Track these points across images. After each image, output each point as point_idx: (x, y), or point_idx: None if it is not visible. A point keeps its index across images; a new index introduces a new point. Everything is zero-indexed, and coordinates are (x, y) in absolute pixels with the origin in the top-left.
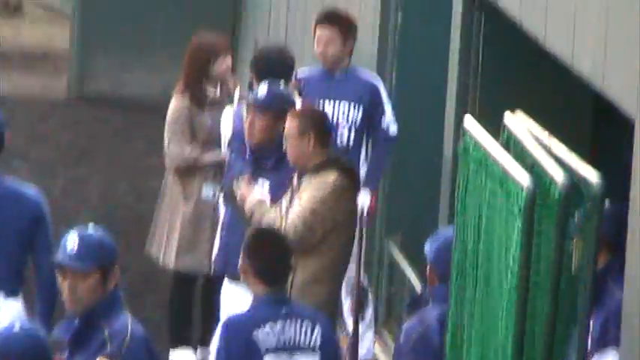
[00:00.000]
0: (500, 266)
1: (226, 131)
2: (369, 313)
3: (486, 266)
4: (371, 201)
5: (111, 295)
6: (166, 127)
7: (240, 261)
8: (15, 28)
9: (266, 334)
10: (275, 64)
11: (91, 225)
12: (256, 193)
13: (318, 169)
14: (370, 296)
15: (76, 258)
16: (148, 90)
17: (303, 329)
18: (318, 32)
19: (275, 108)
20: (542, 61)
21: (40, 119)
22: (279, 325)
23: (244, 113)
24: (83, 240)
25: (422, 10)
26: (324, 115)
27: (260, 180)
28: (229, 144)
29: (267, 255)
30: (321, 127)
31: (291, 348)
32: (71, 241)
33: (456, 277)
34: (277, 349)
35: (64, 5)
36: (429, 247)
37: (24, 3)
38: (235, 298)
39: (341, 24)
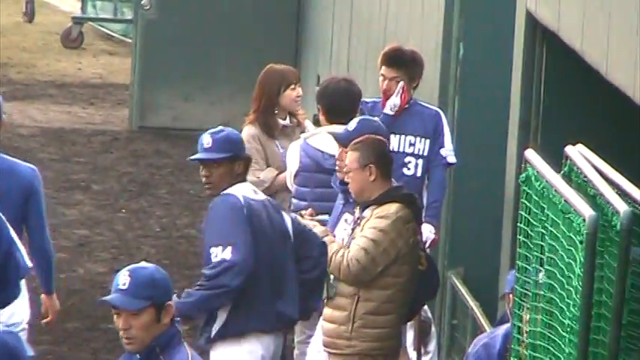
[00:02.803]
0: (562, 297)
1: (292, 165)
2: (433, 345)
3: (549, 297)
4: (435, 234)
5: (168, 329)
6: None
7: None
8: (76, 60)
9: None
10: (342, 97)
11: (143, 262)
12: (318, 225)
13: (380, 200)
14: (433, 328)
15: (127, 295)
16: (209, 122)
17: None
18: (384, 72)
19: None
20: (604, 93)
21: (102, 151)
22: None
23: (316, 145)
24: (134, 276)
25: (483, 40)
26: (385, 146)
27: (347, 215)
28: (295, 177)
29: None
30: (382, 159)
31: None
32: (122, 277)
33: (518, 308)
34: None
35: (125, 38)
36: (509, 282)
37: (85, 36)
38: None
39: (407, 66)
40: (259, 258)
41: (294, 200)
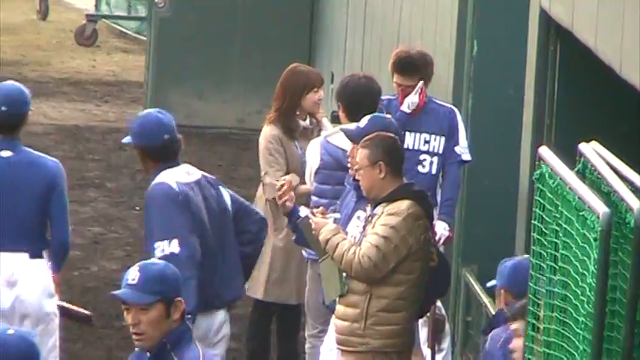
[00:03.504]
0: (577, 294)
1: (312, 163)
2: (447, 342)
3: (563, 294)
4: (449, 231)
5: (178, 326)
6: (261, 156)
7: None
8: (90, 58)
9: None
10: (363, 95)
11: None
12: (330, 223)
13: (391, 197)
14: (447, 326)
15: (136, 290)
16: (222, 121)
17: None
18: (399, 81)
19: None
20: (618, 90)
21: (116, 149)
22: None
23: (337, 143)
24: (143, 272)
25: (497, 38)
26: (395, 142)
27: (360, 212)
28: (315, 175)
29: None
30: (392, 156)
31: None
32: (132, 273)
33: (532, 305)
34: None
35: (139, 35)
36: (500, 274)
37: (99, 33)
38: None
39: (421, 71)
40: (199, 241)
41: (313, 198)
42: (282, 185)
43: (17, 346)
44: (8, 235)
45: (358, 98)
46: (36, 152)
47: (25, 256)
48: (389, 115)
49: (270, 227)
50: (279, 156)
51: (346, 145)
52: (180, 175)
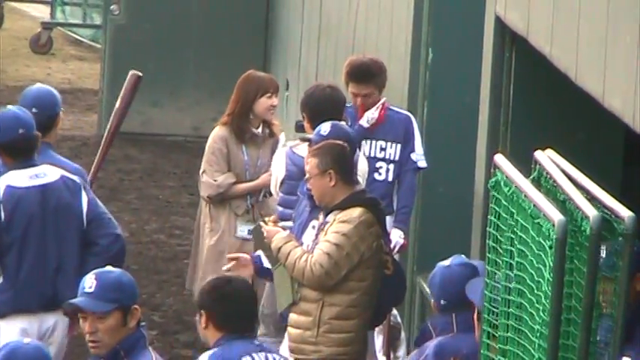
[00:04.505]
0: (532, 302)
1: (278, 173)
2: (402, 350)
3: (518, 302)
4: (404, 239)
5: (133, 334)
6: (204, 155)
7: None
8: (45, 65)
9: None
10: (328, 105)
11: (109, 266)
12: (282, 231)
13: (343, 205)
14: (403, 334)
15: (93, 299)
16: (178, 128)
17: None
18: (355, 90)
19: None
20: (573, 98)
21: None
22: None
23: (301, 153)
24: (100, 280)
25: (452, 46)
26: (344, 149)
27: (314, 221)
28: (281, 185)
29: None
30: (341, 163)
31: None
32: (89, 281)
33: (487, 313)
34: None
35: (94, 43)
36: (429, 283)
37: (54, 41)
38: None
39: (376, 78)
40: (25, 240)
41: (279, 208)
42: (231, 259)
43: (32, 356)
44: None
45: (323, 108)
46: (61, 157)
47: None
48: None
49: (204, 226)
50: (220, 156)
51: None
52: (20, 178)
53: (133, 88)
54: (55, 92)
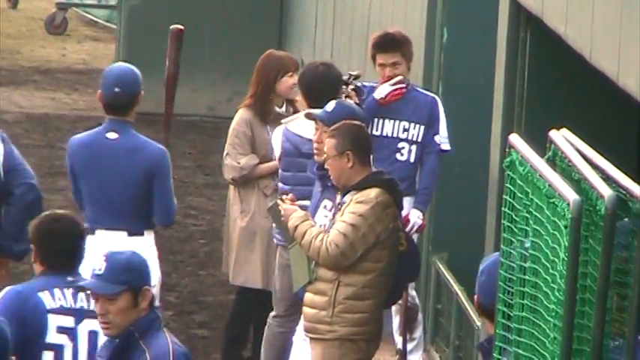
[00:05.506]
0: (547, 282)
1: (277, 149)
2: (419, 331)
3: (533, 282)
4: (422, 220)
5: (147, 315)
6: (228, 138)
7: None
8: (61, 46)
9: (50, 297)
10: (321, 81)
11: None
12: (299, 210)
13: (360, 186)
14: (420, 315)
15: (103, 280)
16: (193, 109)
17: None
18: (382, 60)
19: None
20: (588, 78)
21: None
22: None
23: (295, 130)
24: (110, 262)
25: (467, 26)
26: (362, 130)
27: (326, 201)
28: (279, 162)
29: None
30: (359, 145)
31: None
32: (99, 263)
33: (503, 293)
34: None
35: (109, 24)
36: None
37: (69, 22)
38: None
39: (402, 46)
40: None
41: (279, 184)
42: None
43: None
44: (106, 216)
45: (316, 85)
46: (144, 137)
47: (124, 234)
48: (352, 102)
49: (233, 208)
50: (244, 139)
51: (304, 131)
52: None
53: (177, 44)
54: (137, 71)
